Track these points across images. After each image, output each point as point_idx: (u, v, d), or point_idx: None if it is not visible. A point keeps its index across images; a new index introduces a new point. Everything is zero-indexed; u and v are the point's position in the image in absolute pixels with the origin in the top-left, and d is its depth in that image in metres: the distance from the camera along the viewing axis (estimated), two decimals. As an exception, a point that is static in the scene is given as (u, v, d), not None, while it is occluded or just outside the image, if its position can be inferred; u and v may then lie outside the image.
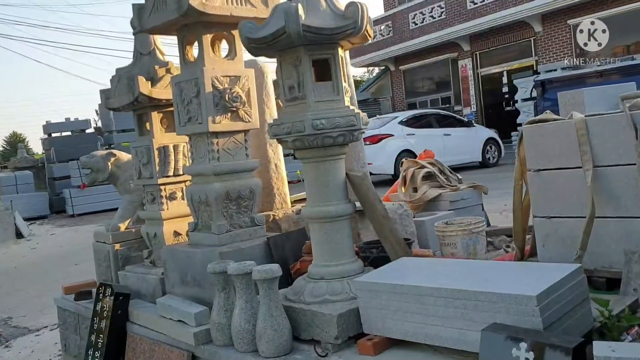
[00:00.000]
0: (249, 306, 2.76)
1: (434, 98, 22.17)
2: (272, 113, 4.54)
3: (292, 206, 4.73)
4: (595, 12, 16.00)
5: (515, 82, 17.28)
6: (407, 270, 2.63)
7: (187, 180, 4.04)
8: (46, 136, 18.08)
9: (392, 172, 12.58)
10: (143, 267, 4.04)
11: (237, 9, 3.31)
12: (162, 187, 3.93)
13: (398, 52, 22.07)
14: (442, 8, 20.36)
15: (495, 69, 19.98)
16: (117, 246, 4.32)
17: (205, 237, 3.43)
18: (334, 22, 2.70)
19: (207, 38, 3.38)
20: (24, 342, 5.62)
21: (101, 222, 13.59)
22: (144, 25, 3.48)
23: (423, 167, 4.69)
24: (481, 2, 19.00)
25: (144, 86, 3.72)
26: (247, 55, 3.51)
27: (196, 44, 3.47)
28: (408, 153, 13.18)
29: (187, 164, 4.00)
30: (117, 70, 3.98)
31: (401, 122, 13.35)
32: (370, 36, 2.87)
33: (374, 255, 3.21)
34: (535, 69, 17.88)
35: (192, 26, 3.38)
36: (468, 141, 14.07)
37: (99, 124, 20.13)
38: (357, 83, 30.36)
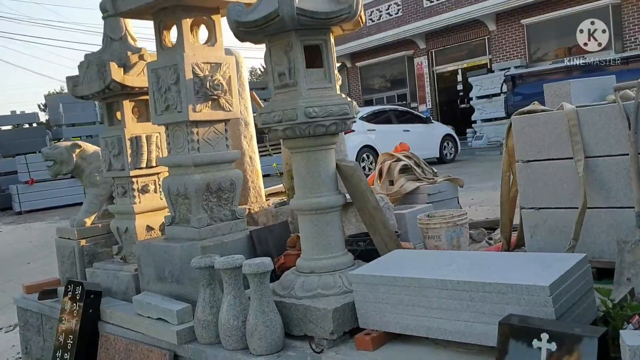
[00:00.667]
0: (237, 302, 2.64)
1: (390, 95, 22.32)
2: (246, 104, 4.41)
3: (266, 199, 4.61)
4: (548, 12, 16.42)
5: (470, 79, 17.62)
6: (404, 262, 2.56)
7: (160, 172, 3.87)
8: (-10, 130, 17.27)
9: (353, 167, 12.53)
10: (113, 263, 3.84)
11: (219, -8, 3.17)
12: (134, 180, 3.75)
13: (355, 48, 22.12)
14: (398, 5, 20.52)
15: (450, 67, 20.26)
16: (83, 242, 4.11)
17: (184, 231, 3.28)
18: (328, 5, 2.59)
19: (187, 23, 3.22)
20: (-24, 346, 5.30)
21: (50, 220, 13.17)
22: (118, 9, 3.29)
23: (399, 160, 4.64)
24: (437, 0, 19.23)
25: (117, 73, 3.52)
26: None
27: (174, 29, 3.31)
28: (368, 149, 13.23)
29: (160, 155, 3.83)
30: (86, 56, 3.77)
31: (362, 118, 13.34)
32: (362, 22, 2.79)
33: (361, 248, 3.14)
34: (489, 67, 18.26)
35: (170, 10, 3.22)
36: (426, 137, 14.20)
37: (47, 117, 19.39)
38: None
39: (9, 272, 7.53)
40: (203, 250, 3.04)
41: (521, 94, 13.10)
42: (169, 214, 3.43)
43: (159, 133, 3.85)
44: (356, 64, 23.29)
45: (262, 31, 2.64)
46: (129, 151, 3.70)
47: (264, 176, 4.66)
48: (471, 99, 17.76)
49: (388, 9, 20.83)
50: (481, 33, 18.64)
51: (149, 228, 3.78)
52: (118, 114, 3.83)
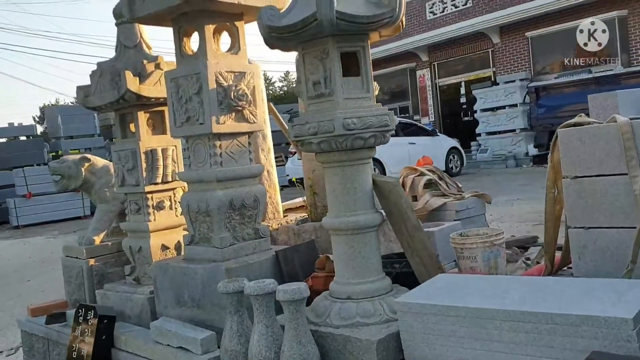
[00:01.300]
0: (270, 331, 2.41)
1: (392, 107, 22.11)
2: (264, 116, 4.20)
3: (284, 216, 4.40)
4: (552, 25, 16.32)
5: (474, 92, 17.46)
6: (453, 289, 2.34)
7: (175, 188, 3.65)
8: (-13, 142, 17.03)
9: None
10: (125, 285, 3.61)
11: (246, -4, 2.97)
12: (149, 196, 3.53)
13: (357, 61, 21.97)
14: (400, 18, 20.40)
15: (453, 80, 20.12)
16: (92, 261, 3.88)
17: (205, 251, 3.05)
18: (368, 9, 2.41)
19: (210, 29, 3.02)
20: (-26, 370, 5.04)
21: (49, 234, 12.87)
22: (135, 14, 3.09)
23: (423, 174, 4.44)
24: (440, 13, 19.15)
25: (132, 82, 3.31)
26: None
27: (195, 36, 3.11)
28: (374, 161, 13.01)
29: (177, 170, 3.62)
30: (99, 64, 3.56)
31: (366, 131, 13.17)
32: (403, 27, 2.59)
33: (397, 271, 2.92)
34: (493, 79, 18.13)
35: (191, 15, 3.02)
36: (432, 150, 14.00)
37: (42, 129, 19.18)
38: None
39: (9, 290, 7.27)
40: (227, 273, 2.82)
41: (545, 105, 12.90)
42: (187, 232, 3.22)
43: (175, 146, 3.65)
44: (358, 77, 23.14)
45: (296, 37, 2.45)
46: (144, 165, 3.48)
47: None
48: (475, 111, 17.60)
49: (390, 21, 20.71)
50: (485, 45, 18.53)
51: (164, 247, 3.56)
52: (132, 126, 3.62)
